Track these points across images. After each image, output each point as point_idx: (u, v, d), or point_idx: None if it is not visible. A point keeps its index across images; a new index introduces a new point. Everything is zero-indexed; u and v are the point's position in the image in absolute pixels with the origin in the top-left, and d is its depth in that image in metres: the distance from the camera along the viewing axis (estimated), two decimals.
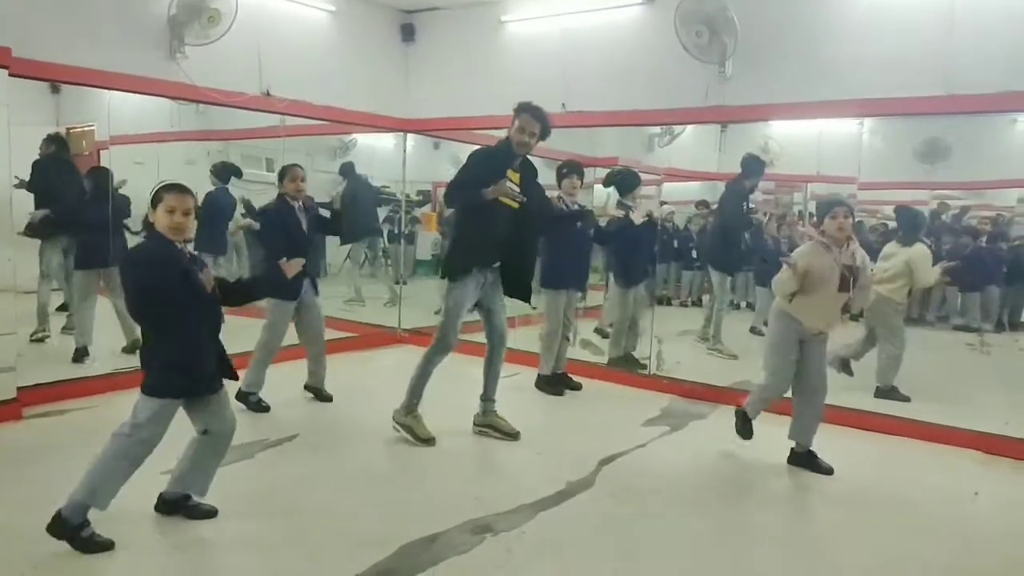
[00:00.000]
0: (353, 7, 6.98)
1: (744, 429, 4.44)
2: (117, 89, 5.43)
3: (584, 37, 6.43)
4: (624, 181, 6.04)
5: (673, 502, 3.83)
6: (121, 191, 5.97)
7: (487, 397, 4.71)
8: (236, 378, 3.43)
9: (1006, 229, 6.00)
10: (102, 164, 6.37)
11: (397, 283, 8.16)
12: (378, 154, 7.88)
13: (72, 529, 3.04)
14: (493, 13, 6.91)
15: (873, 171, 5.63)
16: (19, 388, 4.72)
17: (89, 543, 3.06)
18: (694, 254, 7.58)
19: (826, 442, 4.41)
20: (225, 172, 6.84)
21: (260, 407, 5.01)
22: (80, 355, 5.65)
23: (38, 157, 5.97)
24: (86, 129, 7.09)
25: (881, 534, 3.56)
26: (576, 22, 6.47)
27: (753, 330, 6.61)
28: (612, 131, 6.73)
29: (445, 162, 8.36)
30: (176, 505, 3.40)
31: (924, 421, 4.89)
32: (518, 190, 4.33)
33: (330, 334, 6.75)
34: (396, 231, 8.32)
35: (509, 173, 4.33)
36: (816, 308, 4.10)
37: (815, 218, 4.39)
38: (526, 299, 4.61)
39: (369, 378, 6.20)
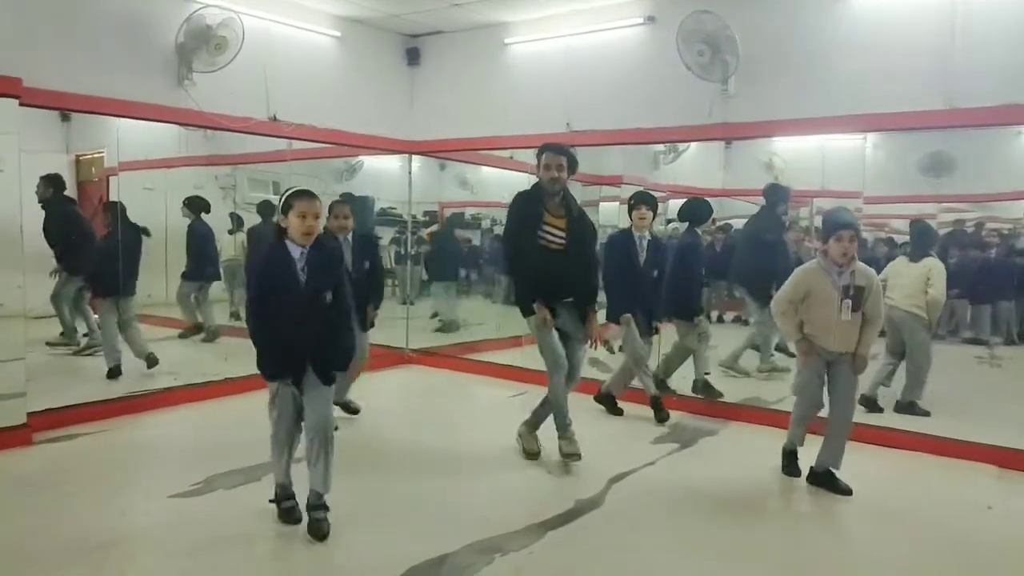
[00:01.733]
0: (358, 32, 7.07)
1: (790, 466, 4.32)
2: (126, 116, 5.51)
3: (587, 57, 6.49)
4: (697, 212, 5.85)
5: (684, 521, 3.80)
6: (132, 219, 6.15)
7: (535, 410, 4.69)
8: (329, 382, 3.43)
9: (1014, 242, 5.98)
10: (111, 190, 6.50)
11: (404, 303, 8.19)
12: (384, 176, 7.94)
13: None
14: (497, 35, 6.99)
15: (878, 185, 5.63)
16: (29, 413, 4.74)
17: (279, 507, 3.57)
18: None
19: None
20: (197, 205, 6.90)
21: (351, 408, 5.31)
22: (114, 373, 5.89)
23: (42, 200, 6.17)
24: (96, 156, 7.19)
25: (895, 549, 3.52)
26: (579, 43, 6.54)
27: (778, 348, 6.53)
28: (617, 149, 6.76)
29: (451, 183, 8.43)
30: (309, 511, 3.46)
31: (937, 435, 4.85)
32: (563, 234, 4.35)
33: None
34: (403, 252, 8.36)
35: (551, 218, 4.34)
36: (824, 330, 4.04)
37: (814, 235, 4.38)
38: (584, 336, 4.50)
39: (377, 399, 6.19)
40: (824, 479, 4.18)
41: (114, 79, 5.29)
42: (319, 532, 3.38)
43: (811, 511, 4.00)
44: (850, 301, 3.96)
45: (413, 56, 7.53)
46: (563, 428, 4.51)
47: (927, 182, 5.79)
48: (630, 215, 5.50)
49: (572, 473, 4.38)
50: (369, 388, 6.47)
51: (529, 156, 7.07)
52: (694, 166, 6.69)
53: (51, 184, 6.25)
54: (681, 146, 6.45)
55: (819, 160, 6.27)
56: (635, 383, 5.74)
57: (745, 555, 3.44)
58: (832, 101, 5.23)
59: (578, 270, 4.42)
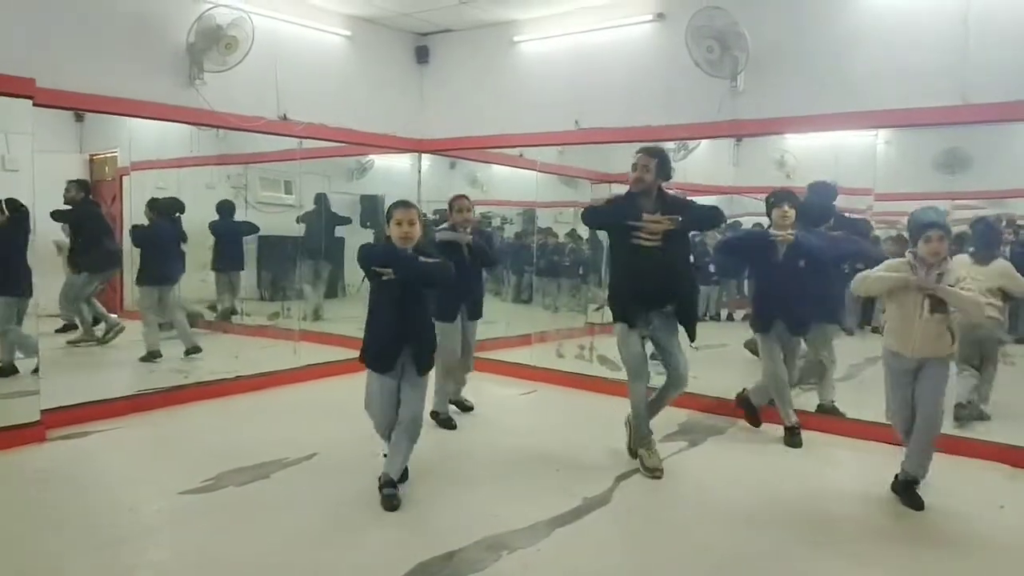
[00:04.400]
0: (368, 31, 7.09)
1: (909, 498, 3.97)
2: (138, 116, 5.55)
3: (596, 55, 6.48)
4: (817, 212, 5.17)
5: (691, 518, 3.79)
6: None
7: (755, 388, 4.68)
8: (424, 372, 3.89)
9: None
10: (124, 189, 6.61)
11: None
12: (394, 174, 7.97)
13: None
14: (506, 33, 6.99)
15: (890, 182, 5.58)
16: (43, 411, 4.78)
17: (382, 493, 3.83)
18: (711, 268, 7.56)
19: (843, 455, 4.36)
20: (173, 207, 6.90)
21: (448, 424, 5.25)
22: (152, 357, 6.33)
23: (74, 203, 6.45)
24: (109, 156, 7.28)
25: (903, 546, 3.51)
26: (588, 40, 6.52)
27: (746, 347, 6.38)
28: (626, 147, 6.71)
29: (461, 181, 8.43)
30: (380, 487, 3.83)
31: (948, 434, 4.78)
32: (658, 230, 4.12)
33: (347, 352, 6.84)
34: None
35: (647, 216, 4.13)
36: (906, 331, 3.86)
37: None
38: (691, 337, 4.38)
39: None
40: (901, 488, 4.01)
41: (126, 79, 5.33)
42: (390, 505, 3.74)
43: (816, 507, 3.96)
44: (928, 301, 3.76)
45: (422, 54, 7.55)
46: (643, 439, 4.42)
47: (939, 179, 5.73)
48: (770, 214, 5.05)
49: (580, 471, 4.38)
50: None
51: (538, 154, 7.13)
52: (704, 163, 6.66)
53: (82, 188, 6.53)
54: (691, 143, 6.42)
55: (831, 157, 6.22)
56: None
57: (747, 553, 3.43)
58: (843, 97, 5.20)
59: (677, 268, 4.27)
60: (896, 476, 4.08)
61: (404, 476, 3.99)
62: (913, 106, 4.94)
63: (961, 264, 4.81)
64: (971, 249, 5.12)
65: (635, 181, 4.26)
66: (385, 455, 3.98)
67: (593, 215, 4.61)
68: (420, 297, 3.83)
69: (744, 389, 5.40)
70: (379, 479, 3.83)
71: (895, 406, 4.02)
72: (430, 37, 7.52)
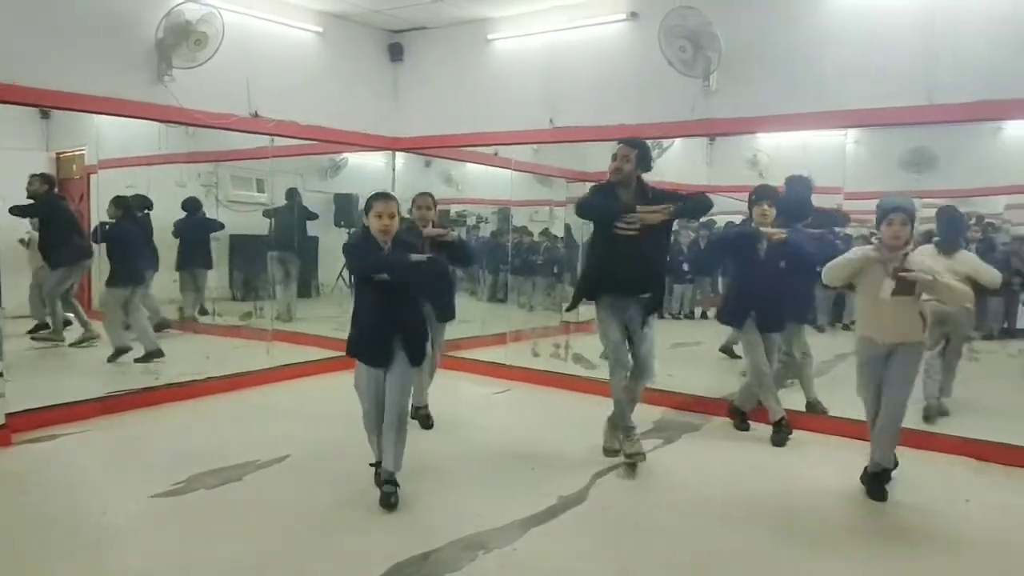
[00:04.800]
0: (341, 28, 7.03)
1: (874, 488, 4.05)
2: (106, 113, 5.45)
3: (570, 53, 6.48)
4: (796, 208, 5.18)
5: (667, 516, 3.82)
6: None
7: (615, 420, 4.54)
8: (417, 363, 3.84)
9: (992, 236, 6.03)
10: (92, 187, 6.51)
11: None
12: (368, 173, 7.92)
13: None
14: (480, 31, 6.97)
15: (860, 181, 5.66)
16: (8, 414, 4.69)
17: (376, 471, 3.90)
18: (685, 267, 7.63)
19: (818, 452, 4.40)
20: (139, 204, 6.84)
21: (425, 424, 5.17)
22: (119, 353, 6.19)
23: (37, 196, 6.31)
24: (76, 153, 7.14)
25: (874, 541, 3.56)
26: (562, 38, 6.52)
27: (722, 350, 6.50)
28: (600, 145, 6.75)
29: (436, 179, 8.41)
30: (381, 484, 3.82)
31: (914, 428, 4.87)
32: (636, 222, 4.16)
33: (321, 353, 6.81)
34: None
35: (643, 208, 4.16)
36: (875, 315, 3.91)
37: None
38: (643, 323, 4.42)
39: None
40: (868, 479, 4.06)
41: (93, 75, 5.22)
42: (388, 503, 3.74)
43: (789, 504, 4.00)
44: (894, 283, 3.76)
45: (396, 52, 7.49)
46: (625, 430, 4.42)
47: (906, 177, 5.83)
48: (750, 211, 5.06)
49: (555, 469, 4.38)
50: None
51: (513, 152, 7.13)
52: (678, 162, 6.70)
53: (45, 181, 6.38)
54: (665, 142, 6.44)
55: (802, 156, 6.30)
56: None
57: (722, 550, 3.46)
58: (814, 97, 5.25)
59: (651, 259, 4.32)
60: (866, 468, 4.13)
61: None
62: (881, 106, 5.01)
63: (927, 255, 4.80)
64: (936, 239, 5.12)
65: (613, 171, 4.31)
66: (372, 464, 3.91)
67: (589, 209, 4.45)
68: (406, 289, 3.78)
69: (732, 402, 5.43)
70: (379, 473, 3.84)
71: (866, 394, 4.07)
72: (404, 35, 7.47)
